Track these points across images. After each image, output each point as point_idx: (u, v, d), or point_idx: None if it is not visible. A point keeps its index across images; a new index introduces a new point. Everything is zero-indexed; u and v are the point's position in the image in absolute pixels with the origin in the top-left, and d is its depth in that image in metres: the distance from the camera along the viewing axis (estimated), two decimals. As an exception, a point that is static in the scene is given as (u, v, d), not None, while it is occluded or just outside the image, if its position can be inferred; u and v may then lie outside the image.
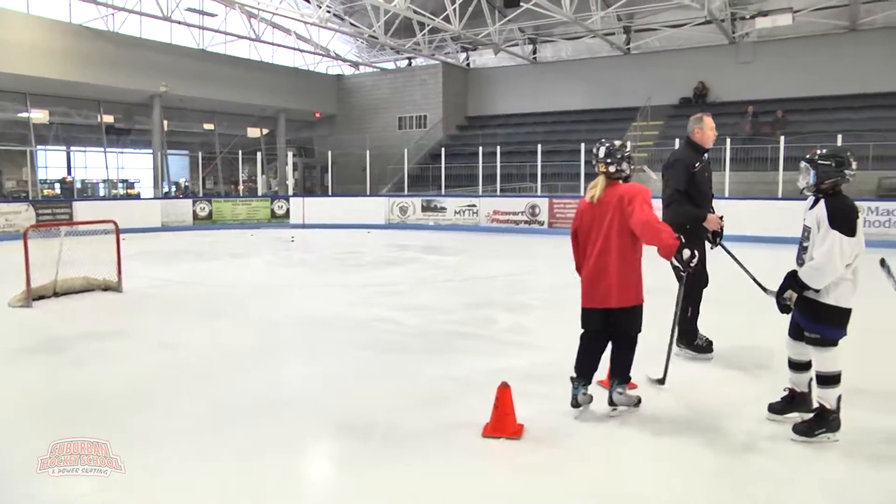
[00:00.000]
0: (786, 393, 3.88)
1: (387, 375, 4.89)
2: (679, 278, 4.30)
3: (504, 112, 25.32)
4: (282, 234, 16.84)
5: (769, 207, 13.87)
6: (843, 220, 3.45)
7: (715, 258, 5.03)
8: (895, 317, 5.93)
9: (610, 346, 4.02)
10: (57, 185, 21.74)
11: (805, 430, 3.59)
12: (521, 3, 16.79)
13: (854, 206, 3.53)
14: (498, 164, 18.70)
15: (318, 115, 26.98)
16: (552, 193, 18.09)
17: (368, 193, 20.66)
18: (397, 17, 20.72)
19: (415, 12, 19.29)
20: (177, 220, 18.23)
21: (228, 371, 5.01)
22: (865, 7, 18.84)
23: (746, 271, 4.56)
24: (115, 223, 8.51)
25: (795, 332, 3.73)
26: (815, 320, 3.56)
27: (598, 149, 3.91)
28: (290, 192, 21.54)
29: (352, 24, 22.78)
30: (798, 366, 3.79)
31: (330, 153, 21.30)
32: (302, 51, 25.99)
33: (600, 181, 3.88)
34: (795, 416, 3.76)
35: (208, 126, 25.36)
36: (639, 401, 4.05)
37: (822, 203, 3.54)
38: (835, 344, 3.56)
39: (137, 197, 22.86)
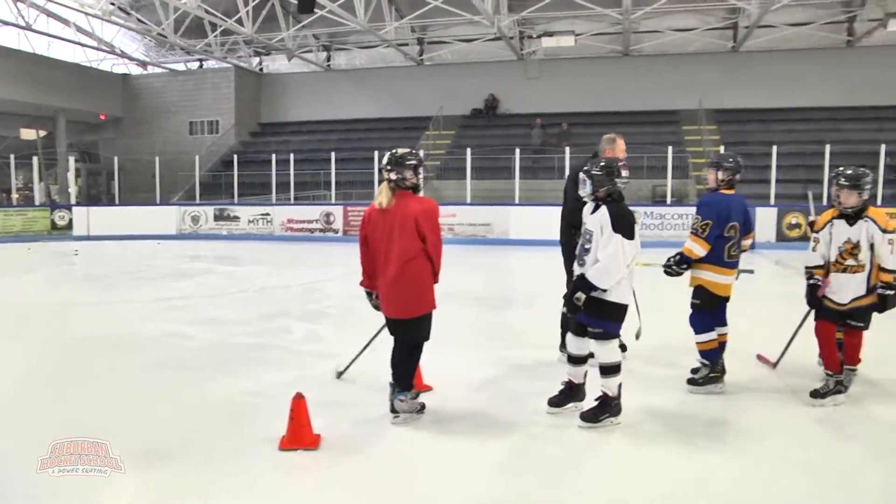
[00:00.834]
0: (563, 386, 4.24)
1: (178, 395, 4.67)
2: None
3: (298, 119, 25.40)
4: (64, 247, 15.95)
5: (557, 213, 15.67)
6: (624, 225, 3.82)
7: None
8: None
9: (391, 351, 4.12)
10: None
11: (591, 417, 3.95)
12: (316, 10, 17.12)
13: (631, 212, 3.95)
14: (292, 172, 18.98)
15: (103, 116, 25.25)
16: (346, 201, 18.65)
17: (159, 202, 20.06)
18: (188, 15, 20.26)
19: (206, 12, 19.01)
20: (-67, 235, 16.43)
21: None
22: (635, 36, 21.71)
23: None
24: None
25: (578, 329, 4.08)
26: (599, 316, 3.92)
27: (384, 157, 4.09)
28: (73, 200, 20.32)
29: (139, 19, 21.79)
30: (578, 360, 4.16)
31: (116, 159, 20.27)
32: (83, 45, 24.06)
33: (384, 188, 3.99)
34: (571, 407, 4.17)
35: (-32, 125, 22.75)
36: (422, 407, 4.14)
37: (603, 209, 3.88)
38: (616, 336, 3.99)
39: None
